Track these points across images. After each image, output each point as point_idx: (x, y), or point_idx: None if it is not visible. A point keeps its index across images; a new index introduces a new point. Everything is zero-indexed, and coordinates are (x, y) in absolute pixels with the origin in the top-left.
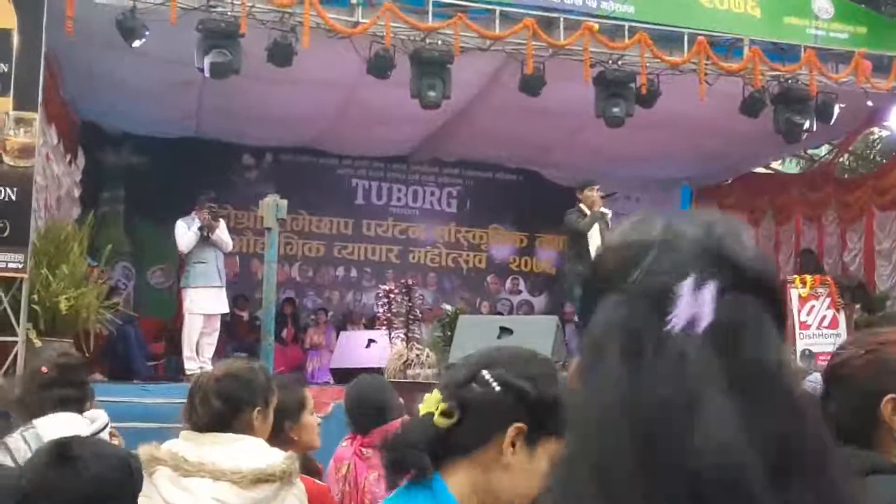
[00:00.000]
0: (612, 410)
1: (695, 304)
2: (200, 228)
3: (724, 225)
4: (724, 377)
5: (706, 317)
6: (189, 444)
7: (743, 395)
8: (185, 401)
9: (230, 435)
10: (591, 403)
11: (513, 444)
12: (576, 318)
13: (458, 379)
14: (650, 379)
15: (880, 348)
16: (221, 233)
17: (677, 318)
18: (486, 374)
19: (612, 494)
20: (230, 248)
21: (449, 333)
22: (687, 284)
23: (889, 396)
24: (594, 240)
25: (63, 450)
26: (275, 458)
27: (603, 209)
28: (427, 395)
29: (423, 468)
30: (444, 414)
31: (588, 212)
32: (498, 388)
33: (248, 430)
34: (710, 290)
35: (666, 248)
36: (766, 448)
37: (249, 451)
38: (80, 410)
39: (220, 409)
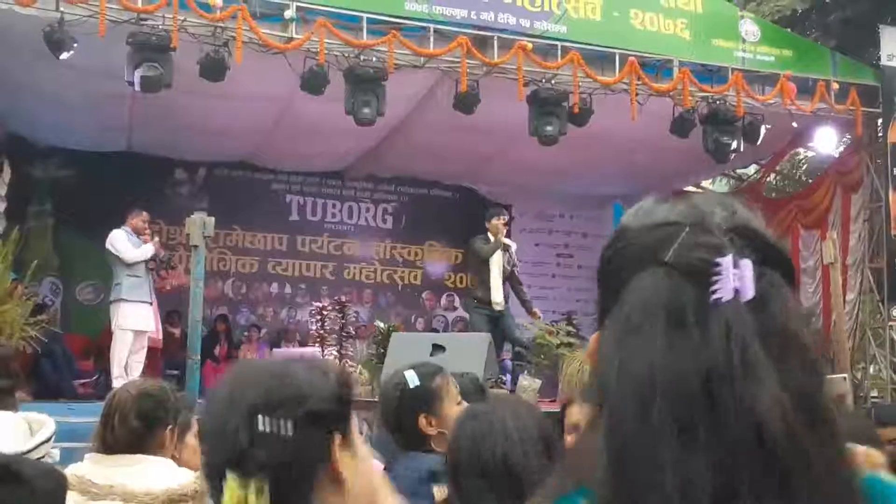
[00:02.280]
0: (662, 375)
1: (737, 279)
2: (158, 260)
3: (742, 206)
4: (762, 343)
5: (749, 290)
6: (97, 467)
7: (777, 359)
8: None
9: (138, 456)
10: (632, 372)
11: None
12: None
13: (243, 443)
14: (697, 346)
15: None
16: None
17: (723, 291)
18: (266, 426)
19: (660, 457)
20: None
21: (382, 350)
22: (727, 260)
23: None
24: (495, 268)
25: (4, 470)
26: (186, 477)
27: (507, 241)
28: (226, 486)
29: None
30: (260, 492)
31: (492, 239)
32: (289, 431)
33: (160, 449)
34: (748, 266)
35: (697, 227)
36: (799, 405)
37: (159, 471)
38: (12, 401)
39: (138, 428)
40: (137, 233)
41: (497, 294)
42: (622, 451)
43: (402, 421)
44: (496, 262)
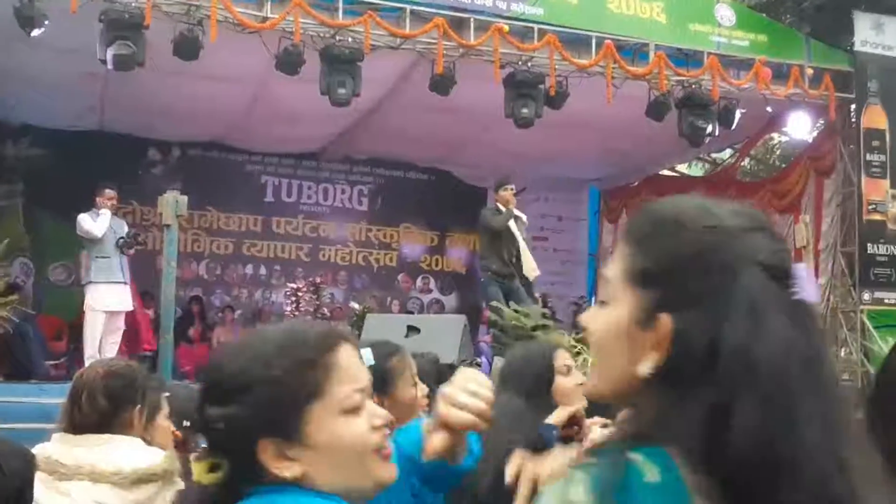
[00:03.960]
0: (793, 350)
1: (811, 283)
2: (125, 237)
3: None
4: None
5: (817, 294)
6: (64, 447)
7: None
8: None
9: (106, 436)
10: (775, 346)
11: (285, 456)
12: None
13: (196, 427)
14: (802, 329)
15: None
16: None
17: (804, 292)
18: (207, 416)
19: (803, 406)
20: None
21: (357, 332)
22: (801, 268)
23: None
24: (511, 238)
25: None
26: (155, 457)
27: (518, 212)
28: (192, 458)
29: None
30: (212, 469)
31: (504, 210)
32: (221, 427)
33: (128, 428)
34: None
35: (772, 236)
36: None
37: (128, 450)
38: None
39: (105, 408)
40: (98, 208)
41: (529, 262)
42: (774, 405)
43: None
44: (516, 232)
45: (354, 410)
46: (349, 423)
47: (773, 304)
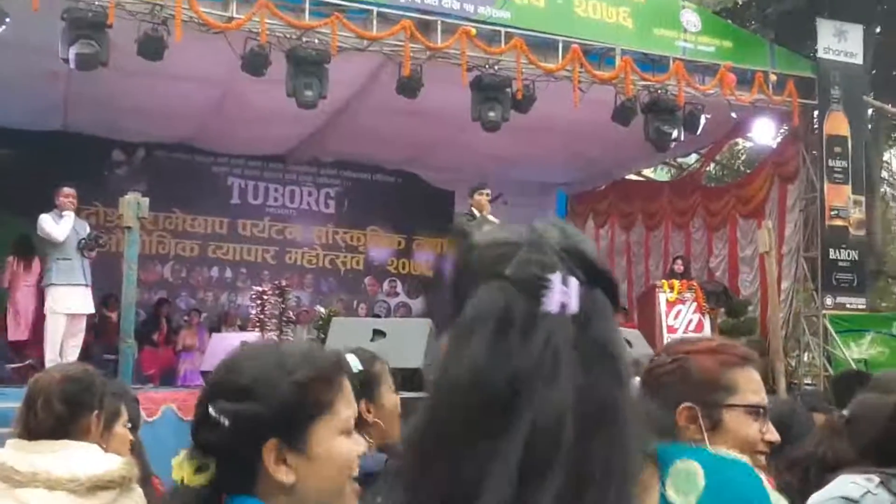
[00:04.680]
0: (479, 375)
1: (564, 294)
2: (86, 238)
3: (573, 230)
4: (578, 354)
5: (574, 305)
6: (19, 454)
7: (586, 365)
8: None
9: (62, 442)
10: (455, 369)
11: (284, 462)
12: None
13: (196, 419)
14: (517, 352)
15: (685, 357)
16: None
17: (551, 304)
18: (212, 412)
19: (464, 445)
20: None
21: (323, 336)
22: (556, 277)
23: (683, 405)
24: None
25: None
26: (112, 463)
27: (491, 217)
28: (174, 460)
29: None
30: (198, 471)
31: (478, 215)
32: (227, 423)
33: (85, 434)
34: (575, 284)
35: (534, 247)
36: (586, 406)
37: (84, 457)
38: None
39: (62, 413)
40: (60, 209)
41: None
42: (433, 439)
43: None
44: None
45: (348, 433)
46: (343, 444)
47: (493, 320)
